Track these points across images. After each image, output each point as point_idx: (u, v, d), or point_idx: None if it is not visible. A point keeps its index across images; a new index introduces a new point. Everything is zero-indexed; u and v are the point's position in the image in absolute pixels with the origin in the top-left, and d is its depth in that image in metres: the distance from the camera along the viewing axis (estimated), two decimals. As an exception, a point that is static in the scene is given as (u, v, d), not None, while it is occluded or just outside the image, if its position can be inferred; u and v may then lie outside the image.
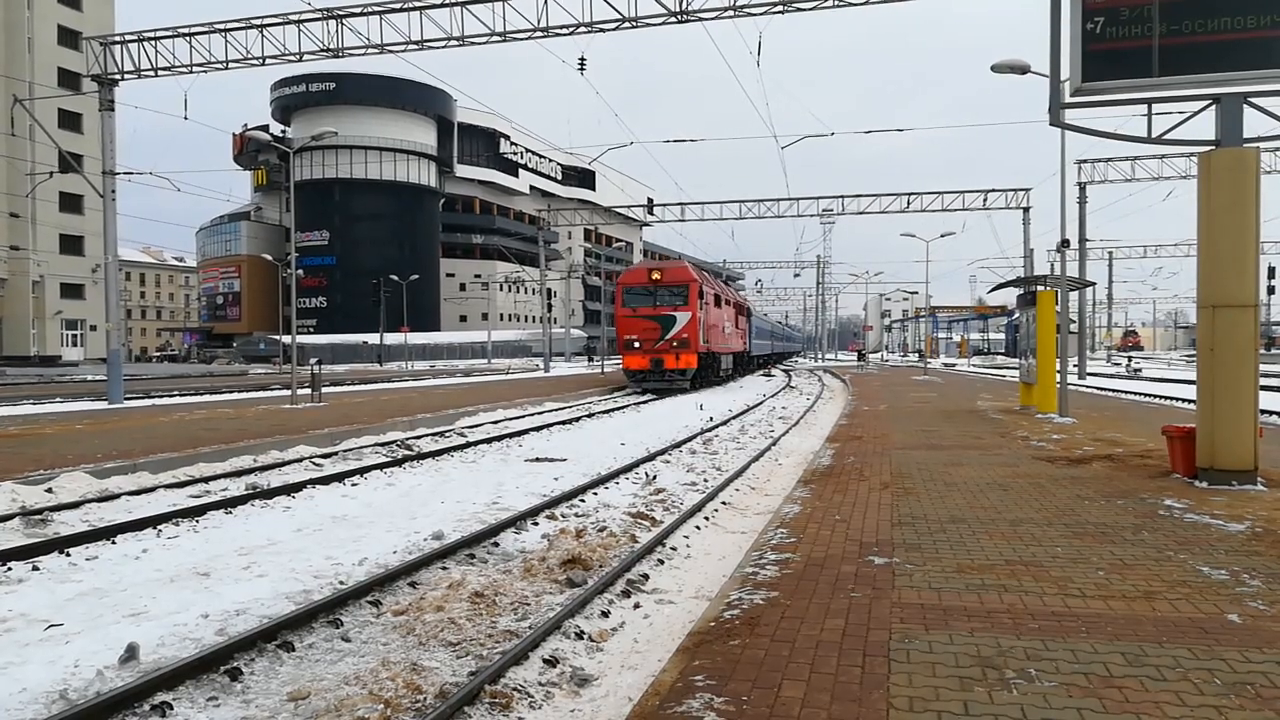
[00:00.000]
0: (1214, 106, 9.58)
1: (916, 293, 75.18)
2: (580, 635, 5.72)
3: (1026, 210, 43.64)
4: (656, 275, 31.54)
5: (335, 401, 24.99)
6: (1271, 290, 53.79)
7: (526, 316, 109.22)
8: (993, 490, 9.38)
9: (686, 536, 8.66)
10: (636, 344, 30.97)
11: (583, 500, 10.37)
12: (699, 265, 45.52)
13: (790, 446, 16.21)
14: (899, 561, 6.41)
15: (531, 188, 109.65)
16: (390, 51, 23.50)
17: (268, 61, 24.38)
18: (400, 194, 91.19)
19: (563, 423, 20.27)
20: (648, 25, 22.15)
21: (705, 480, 12.05)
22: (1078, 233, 39.50)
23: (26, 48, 66.14)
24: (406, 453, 14.52)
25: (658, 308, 31.13)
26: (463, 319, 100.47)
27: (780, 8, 21.15)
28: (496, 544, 8.25)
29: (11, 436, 15.61)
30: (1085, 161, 40.35)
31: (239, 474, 12.32)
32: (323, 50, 23.81)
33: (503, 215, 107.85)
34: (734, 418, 21.66)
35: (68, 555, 7.72)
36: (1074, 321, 33.02)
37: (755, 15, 21.39)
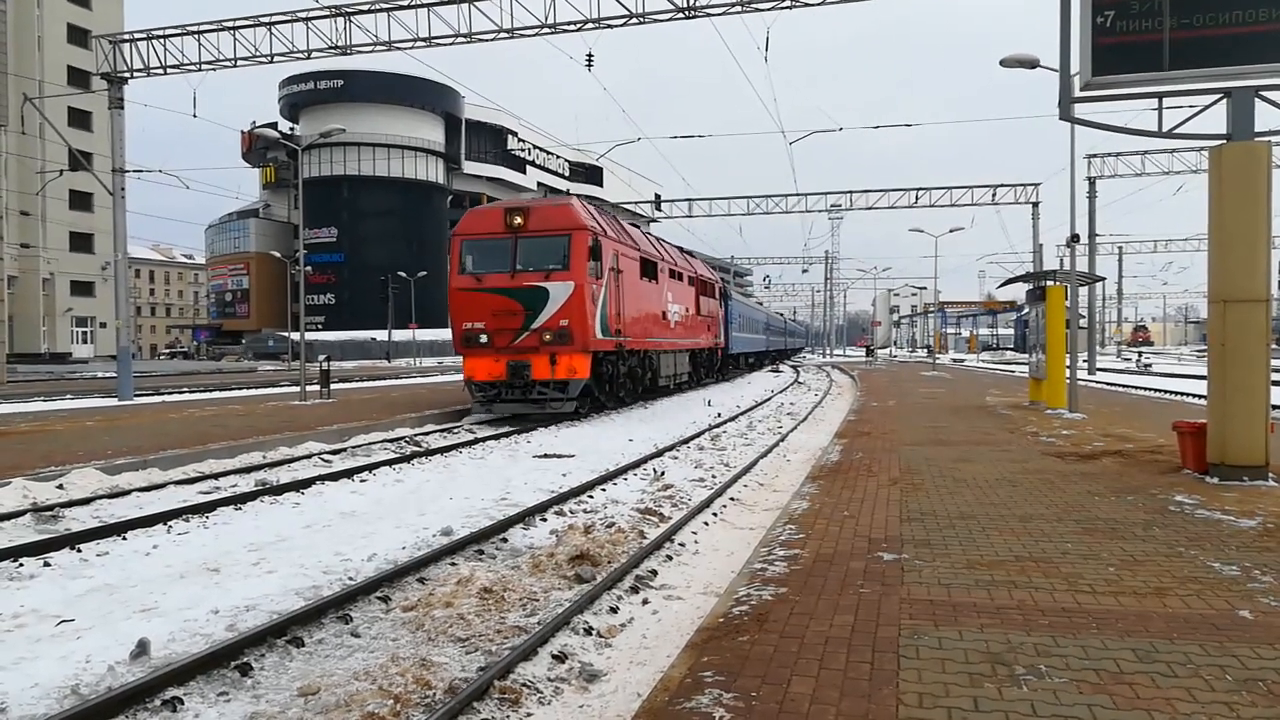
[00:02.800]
0: (1225, 100, 9.51)
1: (925, 288, 75.06)
2: (589, 631, 5.73)
3: (1035, 205, 43.49)
4: (518, 219, 18.33)
5: (344, 398, 25.06)
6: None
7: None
8: (1002, 486, 9.35)
9: (695, 532, 8.66)
10: (482, 338, 18.24)
11: (591, 496, 10.38)
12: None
13: (798, 443, 16.19)
14: (908, 558, 6.39)
15: (539, 184, 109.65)
16: (398, 48, 23.52)
17: (276, 59, 24.43)
18: (408, 191, 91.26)
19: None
20: (655, 21, 22.12)
21: (713, 476, 12.05)
22: (1087, 227, 39.33)
23: (36, 46, 66.45)
24: (415, 449, 14.55)
25: (518, 276, 18.17)
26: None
27: (788, 3, 21.09)
28: (505, 540, 8.26)
29: (23, 433, 15.69)
30: (1095, 156, 40.19)
31: (248, 470, 12.36)
32: (331, 47, 23.85)
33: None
34: (742, 414, 21.65)
35: (79, 551, 7.76)
36: (1084, 317, 32.87)
37: (763, 10, 21.34)
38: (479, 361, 18.36)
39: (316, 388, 24.51)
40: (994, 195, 44.72)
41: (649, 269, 23.42)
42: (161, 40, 24.98)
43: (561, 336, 17.92)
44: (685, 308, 27.83)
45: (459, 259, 18.77)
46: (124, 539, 8.22)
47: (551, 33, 22.42)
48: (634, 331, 21.39)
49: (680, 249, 31.59)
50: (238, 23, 24.38)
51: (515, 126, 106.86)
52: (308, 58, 24.38)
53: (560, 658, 5.25)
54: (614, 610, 6.20)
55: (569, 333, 17.93)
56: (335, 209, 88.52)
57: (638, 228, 28.17)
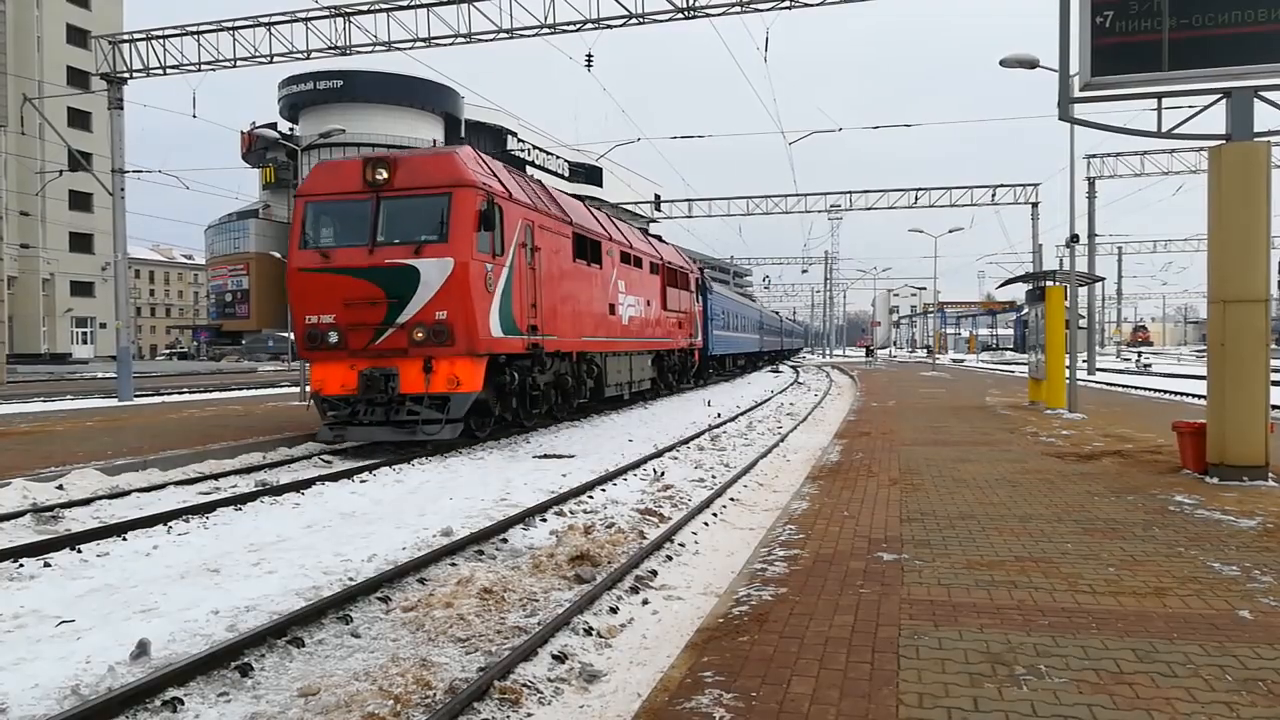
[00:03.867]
0: (1224, 101, 9.52)
1: (925, 288, 75.09)
2: (589, 631, 5.73)
3: (1035, 206, 43.49)
4: (381, 172, 13.80)
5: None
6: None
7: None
8: (1002, 486, 9.35)
9: (695, 533, 8.66)
10: (332, 336, 13.70)
11: (591, 496, 10.37)
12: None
13: (798, 443, 16.20)
14: (908, 558, 6.39)
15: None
16: (398, 49, 23.51)
17: (276, 59, 24.42)
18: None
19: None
20: (655, 21, 22.11)
21: (713, 477, 12.05)
22: (1087, 228, 39.33)
23: (36, 47, 66.44)
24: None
25: (379, 251, 13.56)
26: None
27: (787, 4, 21.09)
28: (505, 540, 8.26)
29: (23, 433, 15.69)
30: (1094, 156, 40.18)
31: (248, 470, 12.36)
32: (331, 48, 23.83)
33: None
34: (741, 414, 21.65)
35: (79, 552, 7.76)
36: (1083, 317, 32.89)
37: (762, 11, 21.34)
38: (330, 369, 13.67)
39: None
40: (993, 195, 44.71)
41: (588, 249, 18.62)
42: (161, 40, 24.98)
43: (438, 334, 13.20)
44: (646, 300, 23.31)
45: (301, 228, 13.99)
46: (124, 539, 8.22)
47: (551, 33, 22.41)
48: (562, 328, 16.83)
49: (645, 232, 27.23)
50: (237, 23, 24.38)
51: (515, 127, 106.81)
52: (307, 58, 24.37)
53: (560, 658, 5.25)
54: (614, 610, 6.21)
55: (448, 329, 13.17)
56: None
57: (590, 204, 24.28)
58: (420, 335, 13.27)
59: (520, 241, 14.94)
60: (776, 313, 76.45)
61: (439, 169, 13.74)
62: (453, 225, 13.32)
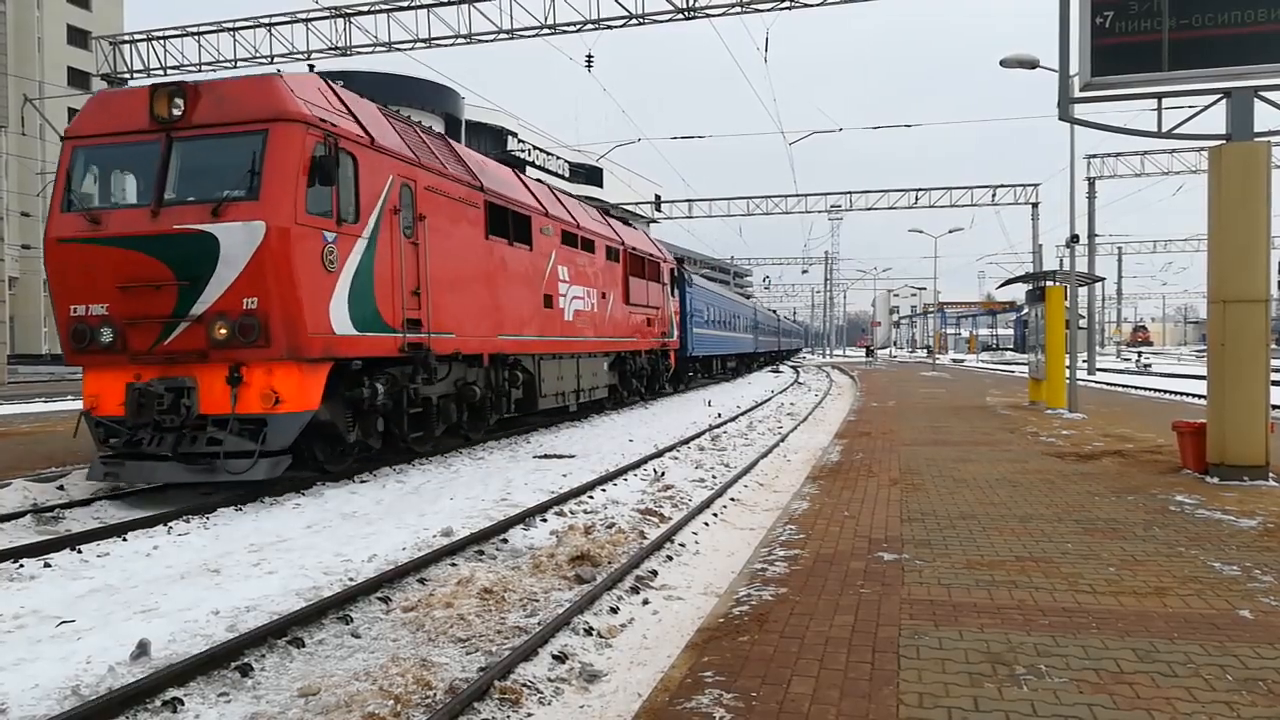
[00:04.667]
0: (1224, 101, 9.53)
1: (925, 288, 75.09)
2: (589, 631, 5.73)
3: (1035, 206, 43.53)
4: (176, 104, 9.95)
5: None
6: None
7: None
8: (1002, 486, 9.35)
9: (695, 533, 8.66)
10: (105, 334, 9.91)
11: (591, 497, 10.37)
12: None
13: (799, 443, 16.20)
14: (908, 558, 6.39)
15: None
16: (398, 49, 23.55)
17: (276, 60, 24.45)
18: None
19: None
20: (655, 22, 22.15)
21: (714, 476, 12.05)
22: (1087, 228, 39.34)
23: (36, 47, 66.43)
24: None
25: (165, 212, 9.74)
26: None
27: (787, 4, 21.11)
28: (505, 540, 8.26)
29: (24, 434, 15.70)
30: (1094, 156, 40.24)
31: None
32: (331, 48, 23.88)
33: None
34: (742, 414, 21.65)
35: (79, 552, 7.76)
36: (1083, 317, 32.89)
37: (762, 12, 21.36)
38: (105, 379, 9.99)
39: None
40: (994, 196, 44.74)
41: (510, 224, 14.98)
42: (161, 41, 25.01)
43: (247, 330, 9.49)
44: (601, 293, 19.77)
45: (65, 183, 10.29)
46: (124, 540, 8.22)
47: (551, 33, 22.45)
48: (466, 324, 13.24)
49: (605, 211, 23.49)
50: (238, 24, 24.41)
51: (515, 127, 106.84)
52: (307, 58, 24.38)
53: (561, 658, 5.25)
54: (614, 610, 6.20)
55: (260, 323, 9.49)
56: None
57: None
58: (223, 332, 9.49)
59: (392, 206, 11.22)
60: (774, 311, 74.19)
61: (253, 97, 9.87)
62: (267, 175, 9.53)
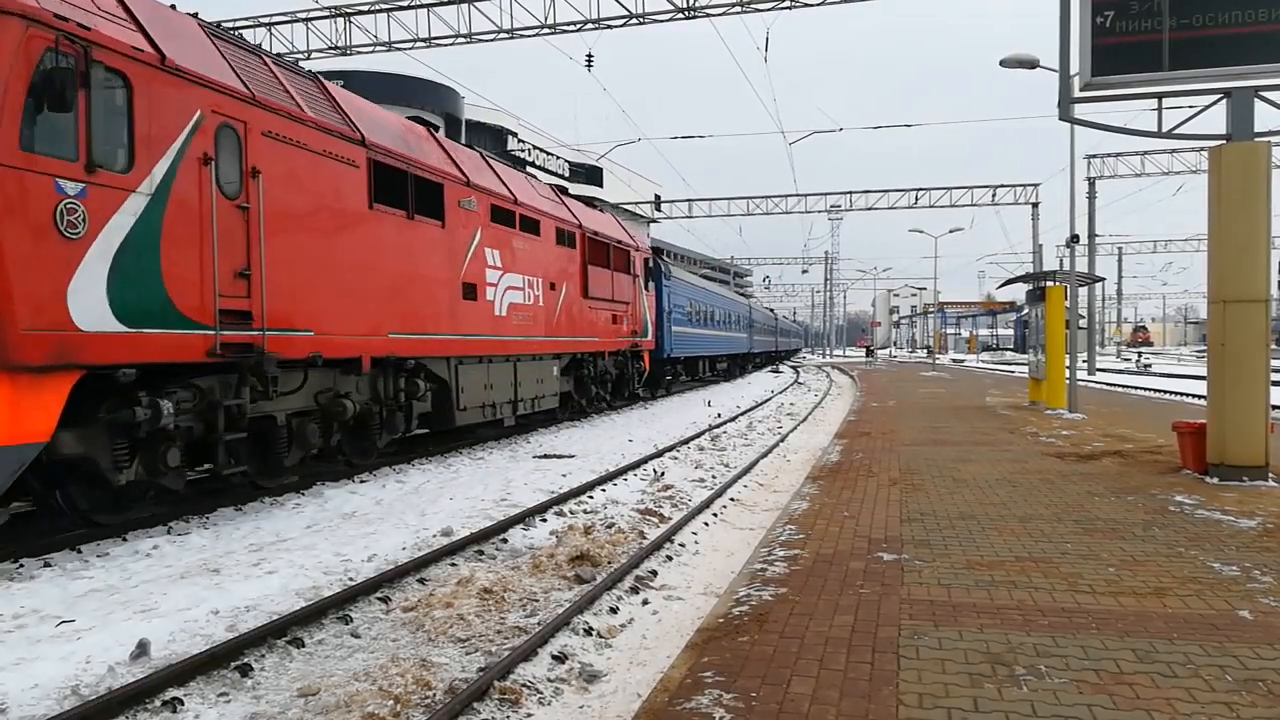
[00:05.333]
0: (1224, 100, 9.53)
1: (925, 288, 75.07)
2: (589, 632, 5.73)
3: (1035, 206, 43.51)
4: None
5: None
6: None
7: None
8: (1002, 486, 9.35)
9: (695, 533, 8.66)
10: None
11: (591, 497, 10.38)
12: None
13: (798, 443, 16.20)
14: (908, 558, 6.39)
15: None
16: (398, 49, 23.53)
17: (276, 59, 24.43)
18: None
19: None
20: (655, 21, 22.13)
21: (713, 476, 12.06)
22: (1087, 228, 39.35)
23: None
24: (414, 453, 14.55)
25: None
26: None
27: (787, 4, 21.10)
28: (505, 540, 8.27)
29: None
30: (1095, 156, 40.27)
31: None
32: (331, 48, 23.86)
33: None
34: (741, 414, 21.66)
35: (79, 552, 7.76)
36: (1083, 317, 32.90)
37: (762, 11, 21.35)
38: None
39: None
40: (994, 196, 44.73)
41: (409, 193, 11.99)
42: (161, 41, 24.98)
43: None
44: (549, 283, 16.66)
45: None
46: (124, 540, 8.22)
47: (551, 33, 22.43)
48: (332, 318, 10.38)
49: (563, 190, 19.87)
50: (238, 23, 24.37)
51: (515, 127, 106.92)
52: (307, 58, 24.37)
53: (560, 658, 5.25)
54: (614, 611, 6.21)
55: None
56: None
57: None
58: None
59: (199, 154, 8.41)
60: (771, 309, 71.68)
61: None
62: None
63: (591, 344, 19.38)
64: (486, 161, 15.43)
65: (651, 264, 24.84)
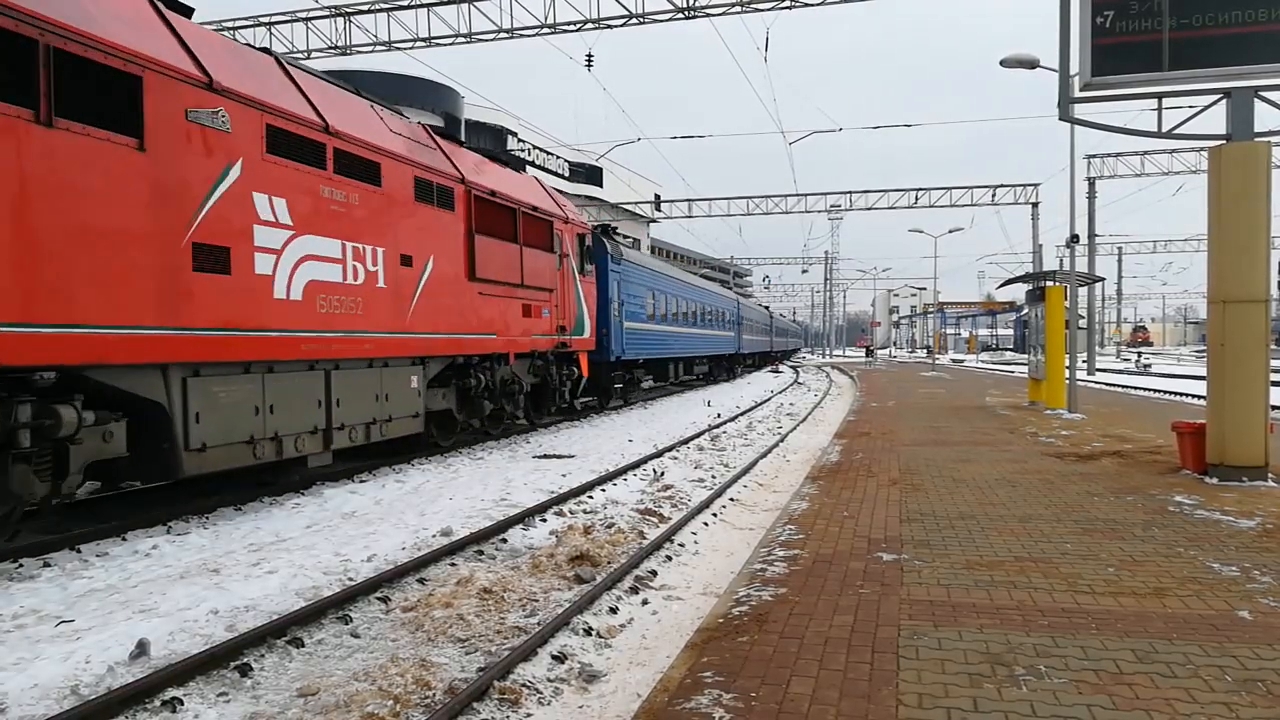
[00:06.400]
0: (1224, 101, 9.53)
1: (925, 288, 75.03)
2: (589, 632, 5.73)
3: (1035, 206, 43.50)
4: None
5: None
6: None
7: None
8: (1001, 486, 9.35)
9: (695, 533, 8.66)
10: None
11: (590, 496, 10.37)
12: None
13: (798, 443, 16.20)
14: (907, 558, 6.39)
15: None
16: (398, 49, 23.52)
17: (275, 59, 24.44)
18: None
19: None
20: (655, 21, 22.12)
21: (713, 477, 12.06)
22: (1087, 228, 39.34)
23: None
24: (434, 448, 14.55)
25: None
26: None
27: (787, 4, 21.10)
28: (505, 540, 8.27)
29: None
30: (1094, 156, 40.27)
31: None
32: (331, 48, 23.86)
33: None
34: (741, 414, 21.66)
35: (78, 552, 7.76)
36: (1083, 317, 32.88)
37: (762, 11, 21.35)
38: None
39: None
40: (994, 196, 44.72)
41: (52, 74, 7.05)
42: (161, 40, 24.98)
43: None
44: (403, 255, 11.91)
45: None
46: (124, 540, 8.22)
47: (551, 33, 22.43)
48: None
49: (444, 133, 14.76)
50: (237, 22, 24.39)
51: (515, 127, 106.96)
52: (307, 58, 24.37)
53: (560, 658, 5.25)
54: (614, 611, 6.21)
55: None
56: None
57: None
58: None
59: None
60: (766, 306, 65.84)
61: None
62: None
63: (484, 343, 14.05)
64: (283, 67, 10.59)
65: (590, 243, 19.54)
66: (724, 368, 41.19)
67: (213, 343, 8.69)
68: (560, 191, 19.25)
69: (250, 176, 9.24)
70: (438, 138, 13.95)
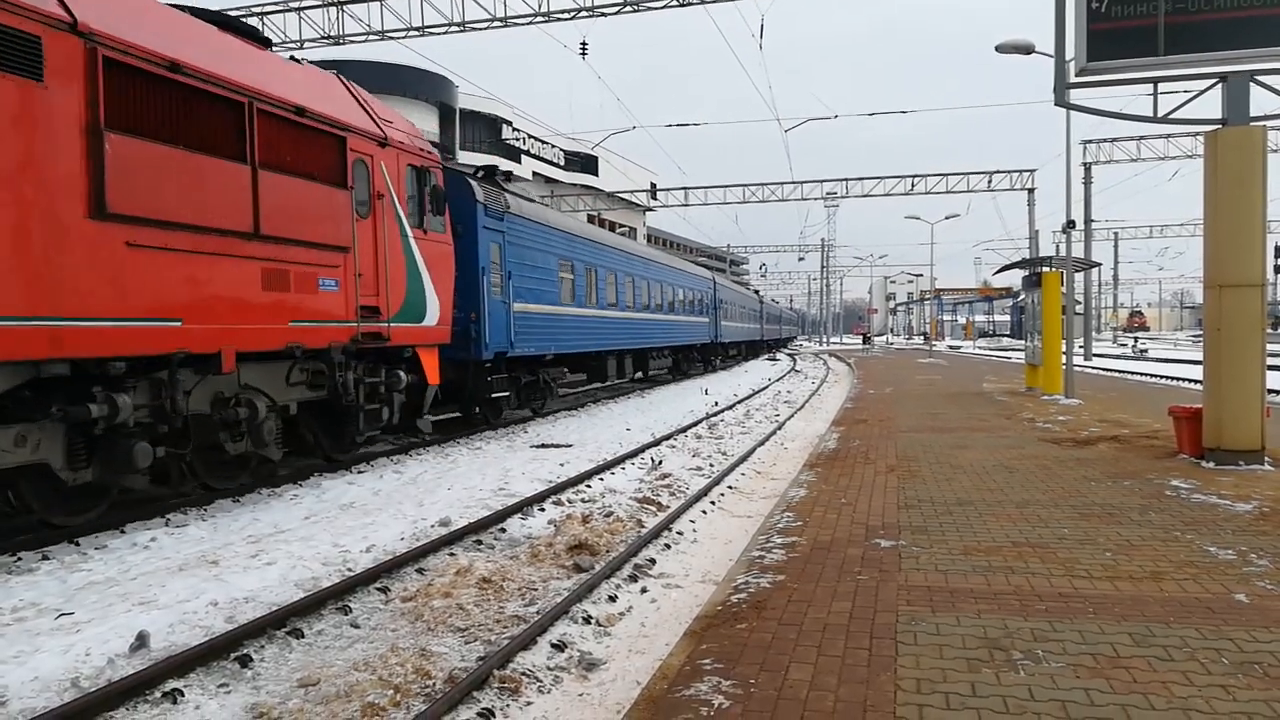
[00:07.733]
0: (1220, 85, 9.51)
1: (921, 275, 75.00)
2: (588, 620, 5.74)
3: (1031, 192, 43.41)
4: None
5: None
6: (1278, 269, 53.47)
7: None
8: (999, 472, 9.37)
9: (693, 521, 8.67)
10: None
11: (589, 486, 10.39)
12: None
13: (796, 430, 16.22)
14: (905, 544, 6.41)
15: (534, 173, 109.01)
16: (391, 38, 23.42)
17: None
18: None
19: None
20: (649, 9, 22.03)
21: (711, 465, 12.07)
22: (1083, 214, 39.32)
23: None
24: (412, 439, 14.54)
25: None
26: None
27: (783, -11, 21.01)
28: (503, 530, 8.27)
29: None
30: (1090, 142, 40.23)
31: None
32: (324, 37, 23.73)
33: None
34: (739, 402, 21.67)
35: (77, 545, 7.76)
36: (1079, 303, 32.90)
37: (757, -3, 21.25)
38: None
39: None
40: (990, 182, 44.62)
41: None
42: (153, 31, 24.83)
43: None
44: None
45: None
46: (122, 532, 8.22)
47: (545, 21, 22.33)
48: None
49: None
50: (229, 11, 24.26)
51: (510, 116, 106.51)
52: (300, 48, 24.24)
53: (559, 646, 5.26)
54: (613, 599, 6.22)
55: None
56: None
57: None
58: None
59: None
60: (756, 291, 60.08)
61: None
62: None
63: (139, 336, 7.73)
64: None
65: (437, 183, 12.78)
66: (696, 360, 35.07)
67: None
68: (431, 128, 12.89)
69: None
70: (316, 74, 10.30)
